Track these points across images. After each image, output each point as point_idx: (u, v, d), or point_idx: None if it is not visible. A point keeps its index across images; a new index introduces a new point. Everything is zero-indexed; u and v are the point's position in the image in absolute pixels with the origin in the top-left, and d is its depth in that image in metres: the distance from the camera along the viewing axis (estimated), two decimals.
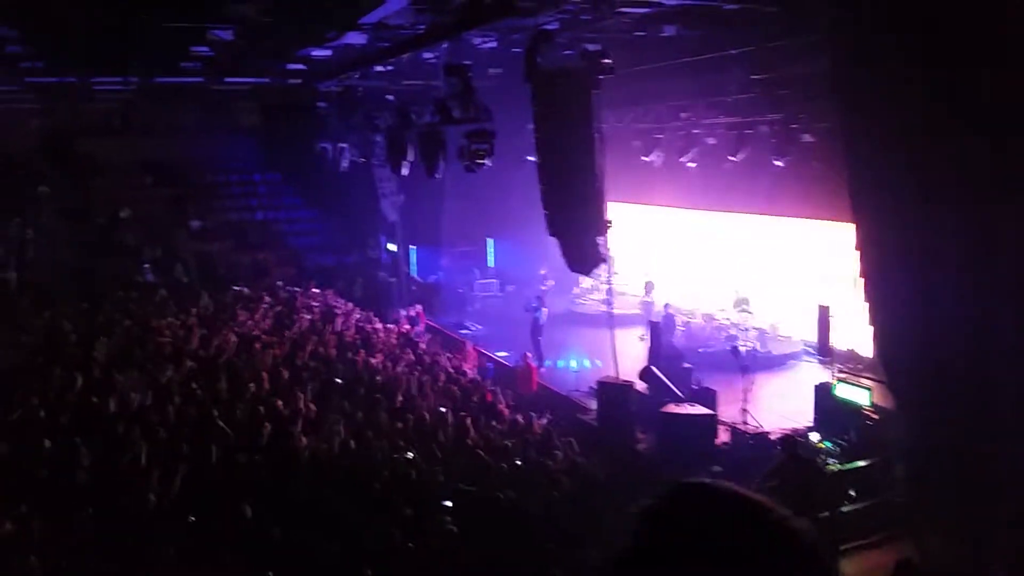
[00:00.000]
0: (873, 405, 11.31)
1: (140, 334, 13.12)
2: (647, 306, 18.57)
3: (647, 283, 19.33)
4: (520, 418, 11.30)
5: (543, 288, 19.51)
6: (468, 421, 10.48)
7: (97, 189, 20.04)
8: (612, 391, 12.34)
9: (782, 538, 1.07)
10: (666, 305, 16.48)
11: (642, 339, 14.36)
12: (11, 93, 17.30)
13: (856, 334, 15.20)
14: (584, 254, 11.79)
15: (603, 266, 12.37)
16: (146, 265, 17.68)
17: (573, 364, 16.02)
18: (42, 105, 18.87)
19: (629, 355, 13.66)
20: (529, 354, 14.54)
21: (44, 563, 7.02)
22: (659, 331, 14.17)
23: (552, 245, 12.28)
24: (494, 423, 10.85)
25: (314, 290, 17.48)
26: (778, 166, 14.98)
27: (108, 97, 19.06)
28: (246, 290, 16.71)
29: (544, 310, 16.89)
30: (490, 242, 23.23)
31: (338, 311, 15.93)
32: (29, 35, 12.49)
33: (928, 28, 8.60)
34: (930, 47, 8.62)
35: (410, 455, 9.32)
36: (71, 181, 19.65)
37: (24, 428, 9.44)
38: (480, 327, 18.92)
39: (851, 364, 14.13)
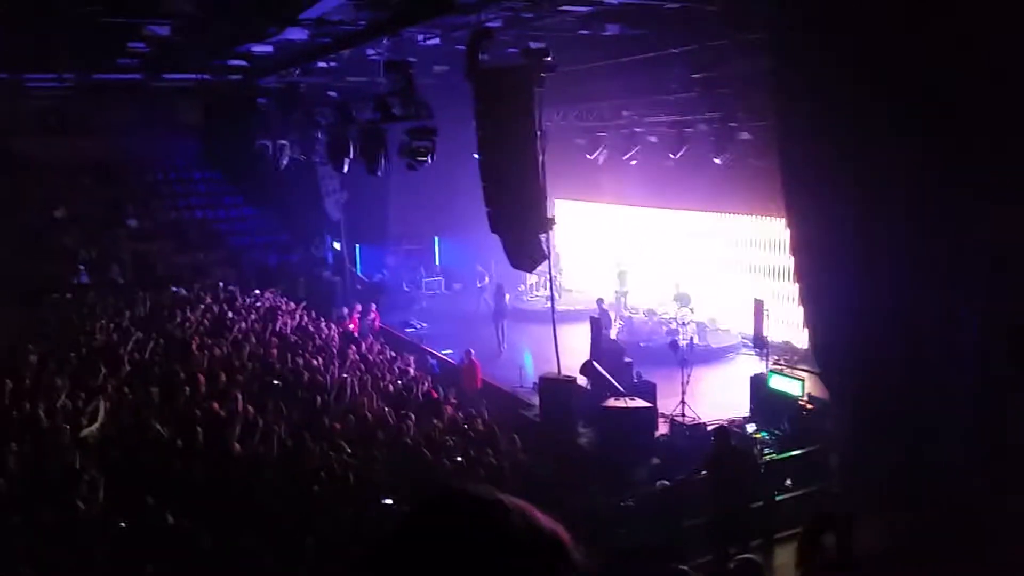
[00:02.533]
0: (807, 395, 11.60)
1: (73, 337, 12.79)
2: (589, 300, 18.80)
3: (596, 277, 19.48)
4: (462, 415, 11.30)
5: (478, 284, 19.78)
6: (410, 419, 10.44)
7: (31, 189, 19.45)
8: (554, 387, 12.42)
9: (542, 545, 1.08)
10: (599, 300, 16.60)
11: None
12: None
13: (791, 326, 15.61)
14: (526, 251, 11.84)
15: (546, 263, 12.46)
16: (81, 266, 17.22)
17: (527, 361, 16.08)
18: None
19: (573, 351, 13.76)
20: (472, 351, 14.54)
21: None
22: (598, 326, 14.31)
23: (496, 243, 12.32)
24: (436, 421, 10.82)
25: (256, 291, 17.21)
26: (716, 163, 15.25)
27: (43, 94, 18.53)
28: (184, 291, 16.39)
29: (507, 295, 17.51)
30: (436, 240, 23.18)
31: (280, 311, 15.73)
32: None
33: (862, 29, 8.85)
34: (863, 48, 8.87)
35: (348, 454, 9.25)
36: (3, 181, 19.04)
37: None
38: (426, 325, 18.88)
39: (786, 356, 14.49)
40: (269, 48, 14.22)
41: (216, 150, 22.62)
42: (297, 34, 12.78)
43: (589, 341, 14.29)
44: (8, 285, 15.47)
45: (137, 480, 8.49)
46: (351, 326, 16.44)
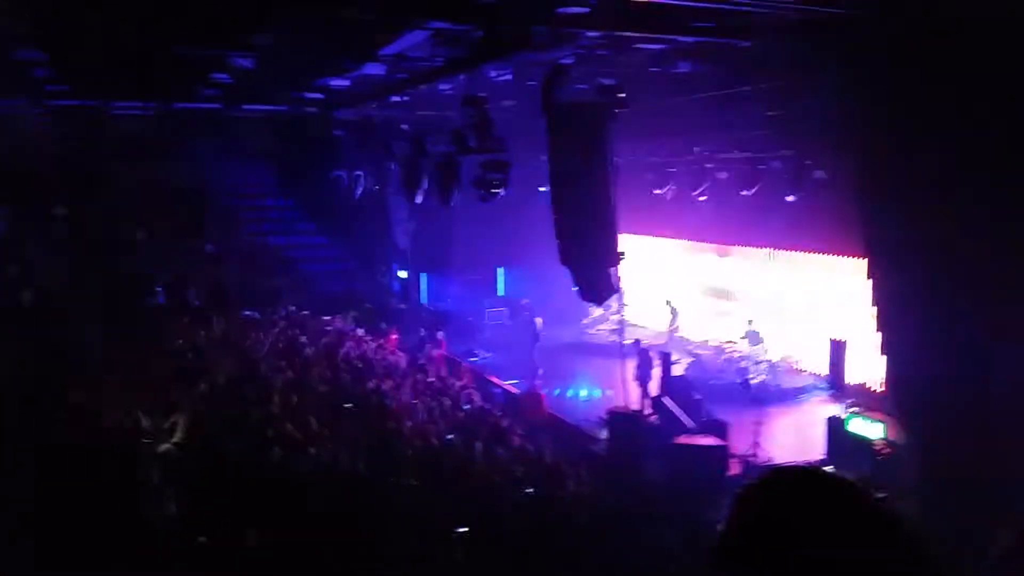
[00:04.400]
0: (886, 439, 11.25)
1: (151, 356, 13.17)
2: (656, 335, 18.67)
3: (659, 311, 19.31)
4: (530, 446, 11.27)
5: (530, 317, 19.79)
6: (476, 448, 10.45)
7: (113, 211, 20.22)
8: (622, 421, 12.30)
9: (883, 525, 1.09)
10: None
11: (633, 371, 14.24)
12: (32, 115, 17.56)
13: (868, 369, 15.20)
14: (596, 284, 11.83)
15: (615, 296, 12.42)
16: (158, 288, 17.78)
17: (583, 393, 15.99)
18: (63, 127, 19.13)
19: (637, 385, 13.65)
20: (539, 382, 14.50)
21: None
22: (646, 360, 14.16)
23: (558, 275, 12.36)
24: (501, 451, 10.81)
25: (325, 317, 17.53)
26: (790, 201, 15.07)
27: (127, 121, 19.31)
28: (257, 315, 16.77)
29: (538, 319, 17.59)
30: (500, 270, 23.32)
31: (349, 337, 15.98)
32: (56, 59, 12.71)
33: (949, 65, 8.71)
34: (949, 90, 8.72)
35: (414, 482, 9.29)
36: (87, 203, 19.85)
37: (35, 445, 9.45)
38: (489, 354, 18.93)
39: (863, 398, 14.09)
40: (346, 82, 14.63)
41: (290, 179, 23.23)
42: (375, 69, 13.13)
43: (660, 376, 14.14)
44: (90, 304, 16.02)
45: (214, 497, 8.66)
46: (436, 352, 16.57)
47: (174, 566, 7.60)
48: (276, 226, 22.73)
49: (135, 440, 9.84)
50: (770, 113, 14.00)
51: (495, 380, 16.31)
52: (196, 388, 11.76)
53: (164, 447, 9.94)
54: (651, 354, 14.95)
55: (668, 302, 19.31)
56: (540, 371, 16.77)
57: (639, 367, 14.51)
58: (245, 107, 17.96)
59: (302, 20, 10.51)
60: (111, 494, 8.63)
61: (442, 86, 13.83)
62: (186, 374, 12.48)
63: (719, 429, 12.15)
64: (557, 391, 15.58)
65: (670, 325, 18.93)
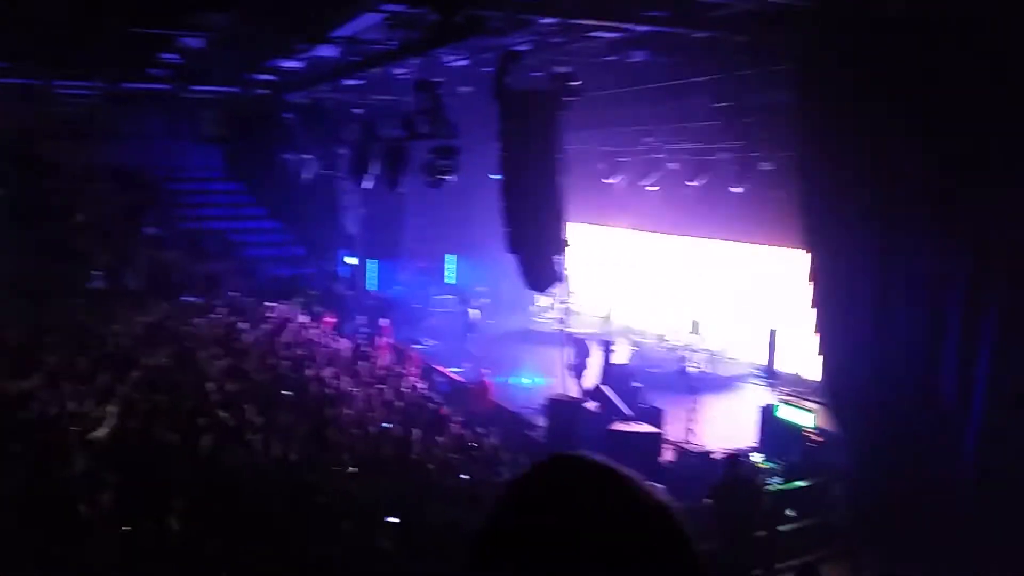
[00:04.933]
0: (816, 428, 11.49)
1: (85, 341, 12.86)
2: (599, 323, 18.88)
3: (601, 301, 19.54)
4: (468, 434, 11.26)
5: (479, 303, 19.97)
6: (413, 436, 10.41)
7: (53, 192, 19.67)
8: (562, 408, 12.38)
9: (650, 515, 1.07)
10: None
11: (566, 360, 14.33)
12: None
13: (802, 358, 15.48)
14: (541, 272, 11.90)
15: (559, 285, 12.47)
16: (97, 272, 17.35)
17: (526, 381, 16.05)
18: (3, 106, 18.54)
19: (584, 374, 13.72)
20: (486, 370, 14.50)
21: None
22: (609, 348, 14.27)
23: (506, 263, 12.36)
24: (440, 439, 10.79)
25: (269, 303, 17.28)
26: (736, 192, 15.23)
27: (71, 101, 18.80)
28: (197, 300, 16.47)
29: (473, 311, 18.07)
30: (450, 258, 23.24)
31: (291, 323, 15.78)
32: None
33: (890, 65, 8.86)
34: (890, 84, 8.88)
35: (352, 469, 9.23)
36: (27, 183, 19.27)
37: None
38: (435, 342, 18.88)
39: (796, 387, 14.37)
40: (299, 64, 14.40)
41: (239, 162, 22.83)
42: (328, 51, 12.94)
43: (600, 364, 14.25)
44: (23, 286, 15.60)
45: (143, 485, 8.49)
46: (386, 339, 16.48)
47: (99, 555, 7.45)
48: (223, 210, 22.32)
49: (64, 427, 9.61)
50: (719, 104, 14.14)
51: (439, 368, 16.29)
52: (130, 374, 11.51)
53: (94, 434, 9.72)
54: (588, 343, 15.04)
55: (603, 295, 19.58)
56: (469, 364, 16.78)
57: (575, 356, 14.59)
58: (194, 88, 17.60)
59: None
60: (38, 482, 8.43)
61: (398, 70, 13.70)
62: (121, 360, 12.20)
63: (654, 416, 12.30)
64: (500, 379, 15.59)
65: (596, 313, 19.16)
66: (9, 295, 14.94)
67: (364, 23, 11.00)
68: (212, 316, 15.15)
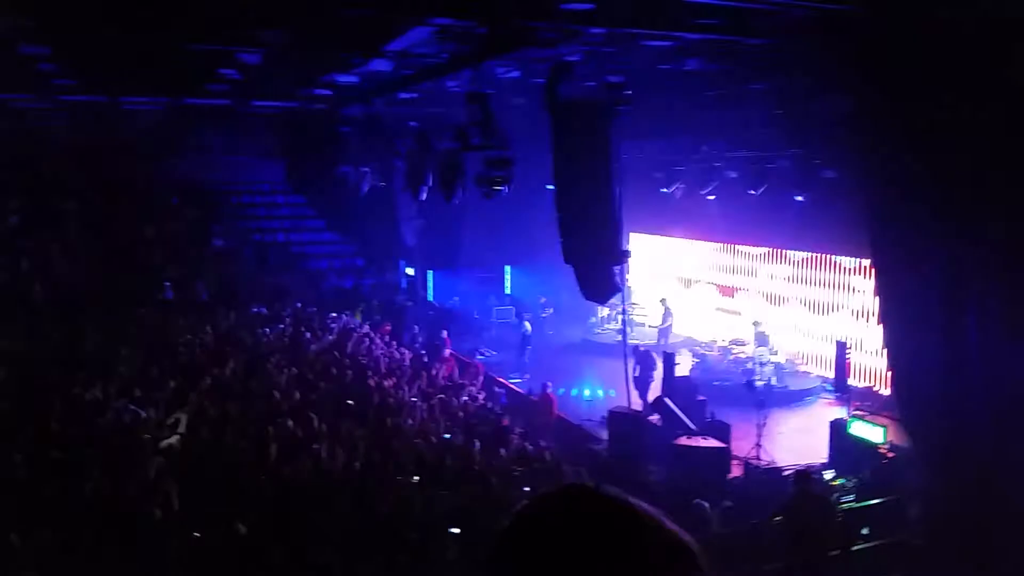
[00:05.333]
0: (888, 443, 11.14)
1: (157, 350, 13.23)
2: (661, 334, 18.64)
3: (661, 311, 19.30)
4: (529, 446, 11.22)
5: (543, 315, 20.08)
6: (475, 447, 10.42)
7: (124, 207, 20.32)
8: (624, 421, 12.24)
9: (661, 552, 1.03)
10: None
11: (633, 373, 14.19)
12: (44, 111, 17.67)
13: (874, 371, 15.06)
14: (599, 283, 11.79)
15: (618, 295, 12.36)
16: (167, 283, 17.86)
17: (587, 393, 15.94)
18: (73, 123, 19.24)
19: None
20: (550, 383, 14.45)
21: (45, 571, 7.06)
22: (646, 363, 14.08)
23: (564, 274, 12.30)
24: (502, 450, 10.78)
25: (332, 314, 17.56)
26: (799, 201, 14.93)
27: (138, 116, 19.41)
28: (264, 310, 16.81)
29: (527, 323, 17.93)
30: (508, 269, 23.28)
31: (354, 333, 15.99)
32: (62, 53, 12.77)
33: (955, 68, 8.59)
34: (959, 90, 8.61)
35: (415, 479, 9.28)
36: (98, 198, 19.96)
37: (37, 441, 9.52)
38: (495, 353, 18.91)
39: (868, 402, 13.96)
40: (354, 78, 14.62)
41: (300, 175, 23.28)
42: (382, 65, 13.12)
43: (662, 377, 14.06)
44: (96, 300, 16.12)
45: (212, 492, 8.69)
46: (446, 350, 16.63)
47: (171, 559, 7.64)
48: (286, 223, 22.80)
49: (137, 435, 9.89)
50: (779, 112, 13.89)
51: (500, 380, 16.30)
52: (200, 383, 11.81)
53: (166, 441, 9.99)
54: (653, 355, 14.86)
55: (662, 300, 19.30)
56: (527, 375, 16.75)
57: (640, 369, 14.43)
58: (254, 103, 18.02)
59: (310, 16, 10.51)
60: (111, 488, 8.68)
61: (450, 83, 13.81)
62: (191, 369, 12.53)
63: (721, 431, 12.05)
64: (562, 391, 15.53)
65: (663, 323, 18.92)
66: (82, 307, 15.48)
67: (415, 37, 11.10)
68: (277, 326, 15.45)
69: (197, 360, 12.95)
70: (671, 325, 19.04)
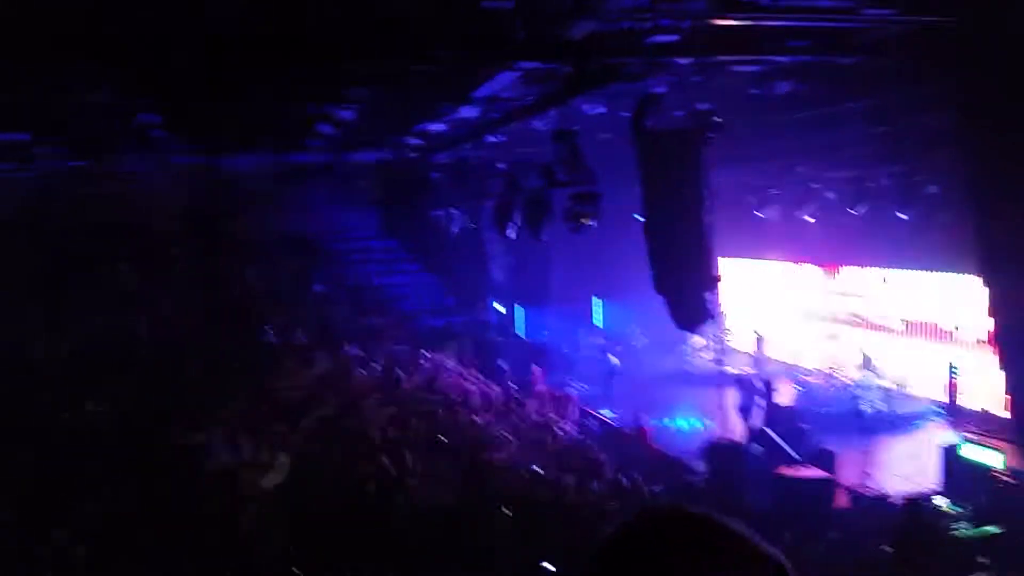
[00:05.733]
0: (1007, 468, 10.43)
1: (260, 393, 13.72)
2: (758, 362, 18.16)
3: (758, 337, 18.87)
4: (624, 479, 11.04)
5: (635, 345, 20.04)
6: (568, 481, 10.33)
7: (228, 259, 21.33)
8: (724, 452, 11.91)
9: (752, 566, 1.03)
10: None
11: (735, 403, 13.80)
12: (152, 173, 18.85)
13: (988, 394, 14.18)
14: (691, 311, 11.58)
15: (712, 323, 12.12)
16: (267, 327, 18.56)
17: (683, 424, 15.61)
18: (180, 183, 20.42)
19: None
20: (644, 415, 14.23)
21: None
22: (749, 390, 13.67)
23: (656, 304, 12.15)
24: (595, 483, 10.64)
25: (425, 352, 17.85)
26: (902, 219, 14.38)
27: (241, 175, 20.47)
28: (360, 352, 17.23)
29: (612, 356, 18.17)
30: (597, 301, 23.18)
31: (446, 370, 16.20)
32: (171, 121, 13.65)
33: None
34: None
35: (506, 512, 9.26)
36: (204, 252, 21.03)
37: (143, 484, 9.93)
38: (585, 387, 18.79)
39: (983, 425, 13.16)
40: (443, 126, 15.04)
41: (393, 221, 23.97)
42: (470, 111, 13.46)
43: (764, 406, 13.66)
44: (202, 347, 16.86)
45: (315, 533, 8.90)
46: (538, 384, 16.68)
47: None
48: (380, 267, 23.46)
49: (240, 477, 10.23)
50: (876, 129, 13.46)
51: (592, 412, 16.15)
52: (300, 424, 12.16)
53: (266, 481, 10.30)
54: (755, 383, 14.45)
55: (755, 331, 18.88)
56: (617, 409, 16.53)
57: (743, 397, 14.05)
58: (349, 156, 18.75)
59: (398, 71, 10.91)
60: (214, 531, 9.00)
61: (536, 123, 14.01)
62: (292, 410, 12.92)
63: (825, 460, 11.57)
64: (656, 422, 15.25)
65: (756, 351, 18.44)
66: (188, 356, 16.22)
67: (501, 82, 11.33)
68: (373, 366, 15.81)
69: (298, 402, 13.35)
70: (765, 353, 18.54)
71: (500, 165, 17.55)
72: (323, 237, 23.76)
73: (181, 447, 11.11)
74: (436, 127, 15.24)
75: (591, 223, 13.22)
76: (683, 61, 10.32)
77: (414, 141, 17.11)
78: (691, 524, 1.07)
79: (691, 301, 11.51)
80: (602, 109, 13.31)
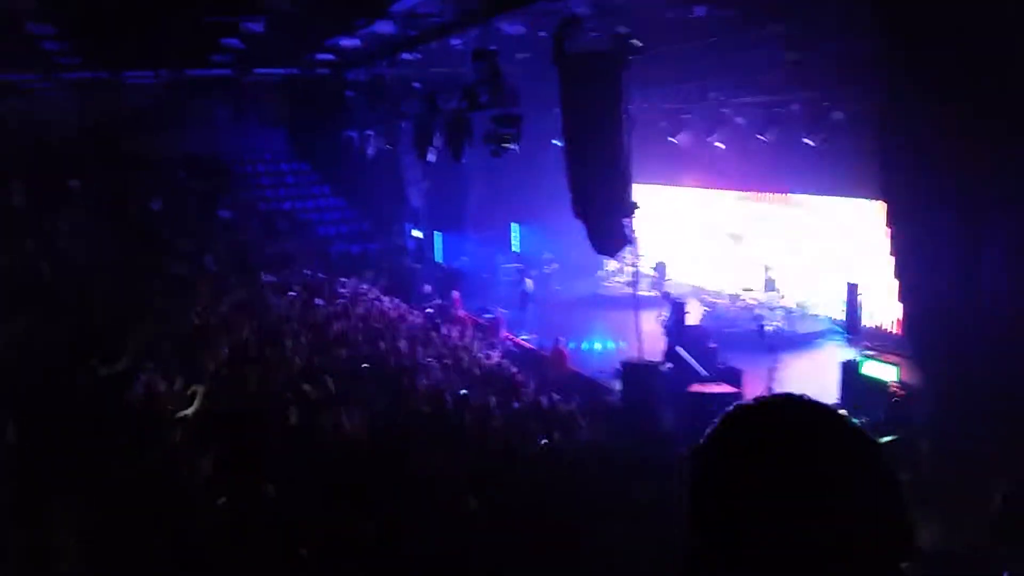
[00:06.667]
0: (900, 382, 11.22)
1: (172, 322, 13.34)
2: (659, 286, 18.79)
3: (658, 264, 19.47)
4: (544, 399, 11.35)
5: (547, 271, 20.15)
6: (491, 402, 10.55)
7: (130, 182, 20.34)
8: (637, 371, 12.34)
9: (866, 453, 1.14)
10: (666, 292, 16.28)
11: (659, 319, 14.32)
12: (48, 89, 17.65)
13: (883, 312, 15.08)
14: (610, 236, 11.81)
15: (628, 248, 12.39)
16: (178, 256, 17.93)
17: (598, 346, 16.06)
18: (78, 100, 19.21)
19: (652, 336, 13.67)
20: (562, 338, 14.53)
21: (81, 543, 7.23)
22: (681, 310, 14.14)
23: (572, 229, 12.30)
24: (516, 404, 10.91)
25: (341, 279, 17.63)
26: (809, 145, 14.83)
27: (140, 91, 19.37)
28: (273, 279, 16.89)
29: (528, 280, 18.28)
30: (515, 227, 23.28)
31: (364, 297, 16.08)
32: (64, 31, 12.71)
33: (975, 11, 8.46)
34: (976, 32, 8.48)
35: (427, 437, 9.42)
36: (105, 175, 19.98)
37: (58, 416, 9.66)
38: (504, 311, 19.02)
39: (878, 342, 14.03)
40: (357, 41, 14.50)
41: (304, 142, 23.23)
42: (385, 27, 13.00)
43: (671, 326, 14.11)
44: (108, 272, 16.19)
45: (237, 458, 8.84)
46: (456, 310, 16.72)
47: (199, 525, 7.80)
48: (291, 191, 22.82)
49: (158, 407, 10.03)
50: (789, 56, 13.71)
51: (510, 336, 16.40)
52: (217, 352, 11.92)
53: (185, 412, 10.14)
54: (667, 304, 14.90)
55: (657, 258, 19.46)
56: (533, 333, 16.84)
57: (672, 317, 14.45)
58: (257, 71, 17.93)
59: None
60: (136, 460, 8.84)
61: (453, 41, 13.67)
62: (208, 339, 12.63)
63: (734, 377, 12.17)
64: (573, 345, 15.64)
65: (660, 281, 19.07)
66: (93, 283, 15.55)
67: None
68: (288, 294, 15.54)
69: (212, 330, 13.05)
70: (669, 280, 19.19)
71: (415, 84, 17.16)
72: (229, 158, 22.86)
73: (93, 378, 10.77)
74: (349, 42, 14.71)
75: (513, 146, 13.16)
76: None
77: (325, 57, 16.50)
78: (814, 410, 1.17)
79: (610, 226, 11.71)
80: (521, 29, 13.11)
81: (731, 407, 1.20)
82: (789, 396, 1.19)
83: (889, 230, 10.54)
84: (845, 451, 1.12)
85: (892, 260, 10.58)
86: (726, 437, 1.16)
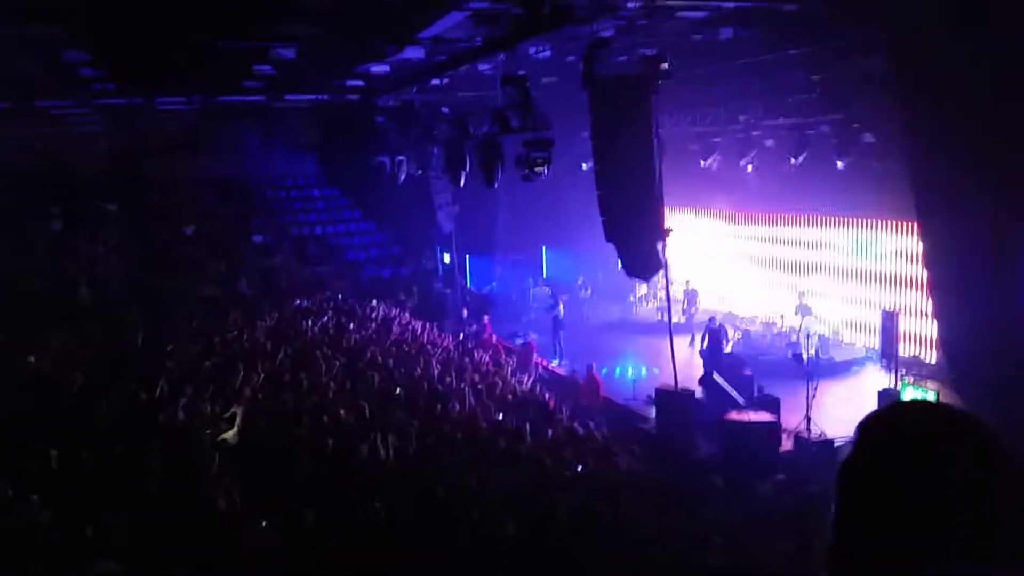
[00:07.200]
0: None
1: (207, 346, 13.45)
2: (688, 312, 18.62)
3: (689, 290, 19.31)
4: (578, 427, 11.24)
5: (581, 296, 20.04)
6: (526, 429, 10.47)
7: (163, 207, 20.64)
8: (671, 399, 12.20)
9: (998, 458, 1.12)
10: (711, 318, 16.07)
11: (692, 345, 14.17)
12: (82, 115, 17.99)
13: (919, 339, 14.84)
14: (642, 260, 11.73)
15: (660, 272, 12.30)
16: (210, 280, 18.13)
17: (630, 372, 15.91)
18: (111, 126, 19.56)
19: (686, 362, 13.53)
20: (594, 364, 14.39)
21: (121, 566, 7.24)
22: (718, 337, 13.97)
23: (601, 253, 12.24)
24: (549, 431, 10.82)
25: (372, 302, 17.70)
26: (839, 168, 14.70)
27: (173, 117, 19.68)
28: (306, 303, 17.01)
29: (560, 306, 17.90)
30: (544, 251, 23.26)
31: (396, 322, 16.10)
32: (100, 58, 12.96)
33: (998, 27, 8.37)
34: (1000, 47, 8.39)
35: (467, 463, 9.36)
36: (138, 199, 20.29)
37: (97, 436, 9.74)
38: (535, 336, 18.94)
39: (916, 369, 13.77)
40: (386, 68, 14.64)
41: (334, 167, 23.46)
42: (415, 53, 13.11)
43: (706, 353, 13.99)
44: (144, 297, 16.40)
45: (274, 482, 8.85)
46: (488, 335, 16.66)
47: (237, 550, 7.79)
48: (323, 215, 23.03)
49: (195, 431, 10.07)
50: (816, 76, 13.66)
51: (542, 362, 16.30)
52: (252, 377, 11.98)
53: (223, 436, 10.17)
54: (726, 329, 14.74)
55: (687, 282, 19.24)
56: (564, 360, 16.71)
57: (708, 342, 14.30)
58: (288, 97, 18.16)
59: (342, 7, 10.53)
60: (173, 484, 8.87)
61: (482, 67, 13.76)
62: (242, 363, 12.70)
63: (771, 405, 11.98)
64: (604, 371, 15.51)
65: (689, 308, 18.87)
66: (127, 306, 15.74)
67: (449, 22, 11.08)
68: (321, 318, 15.62)
69: (246, 355, 13.12)
70: (697, 309, 19.03)
71: (444, 109, 17.26)
72: (259, 183, 23.16)
73: (133, 401, 10.87)
74: (379, 68, 14.85)
75: (544, 170, 13.15)
76: (631, 4, 10.27)
77: (355, 83, 16.67)
78: (951, 417, 1.17)
79: (642, 250, 11.64)
80: (548, 53, 13.16)
81: (864, 420, 1.23)
82: (925, 402, 1.23)
83: (923, 251, 10.38)
84: (991, 454, 1.13)
85: (928, 284, 10.40)
86: (876, 446, 1.19)
